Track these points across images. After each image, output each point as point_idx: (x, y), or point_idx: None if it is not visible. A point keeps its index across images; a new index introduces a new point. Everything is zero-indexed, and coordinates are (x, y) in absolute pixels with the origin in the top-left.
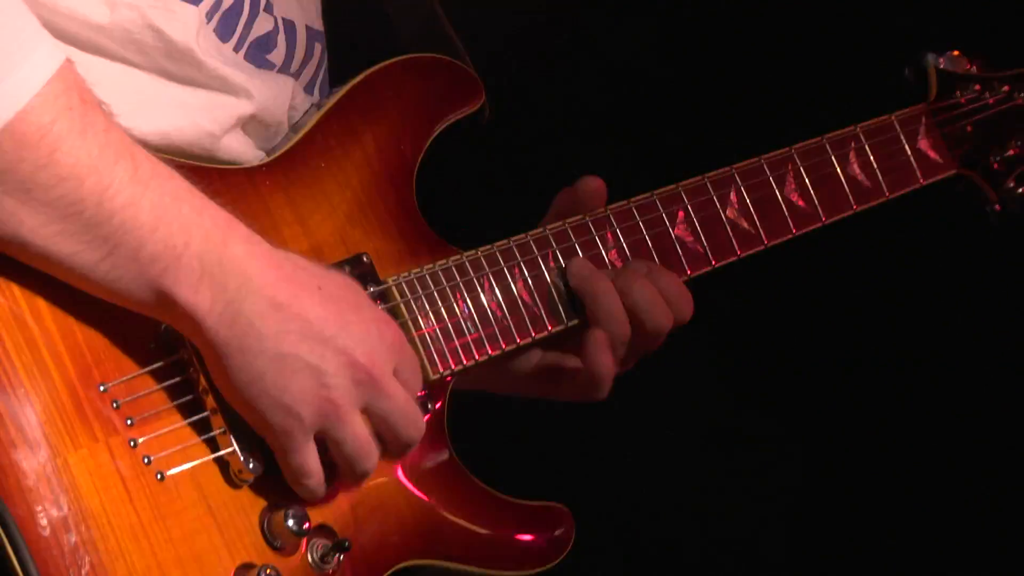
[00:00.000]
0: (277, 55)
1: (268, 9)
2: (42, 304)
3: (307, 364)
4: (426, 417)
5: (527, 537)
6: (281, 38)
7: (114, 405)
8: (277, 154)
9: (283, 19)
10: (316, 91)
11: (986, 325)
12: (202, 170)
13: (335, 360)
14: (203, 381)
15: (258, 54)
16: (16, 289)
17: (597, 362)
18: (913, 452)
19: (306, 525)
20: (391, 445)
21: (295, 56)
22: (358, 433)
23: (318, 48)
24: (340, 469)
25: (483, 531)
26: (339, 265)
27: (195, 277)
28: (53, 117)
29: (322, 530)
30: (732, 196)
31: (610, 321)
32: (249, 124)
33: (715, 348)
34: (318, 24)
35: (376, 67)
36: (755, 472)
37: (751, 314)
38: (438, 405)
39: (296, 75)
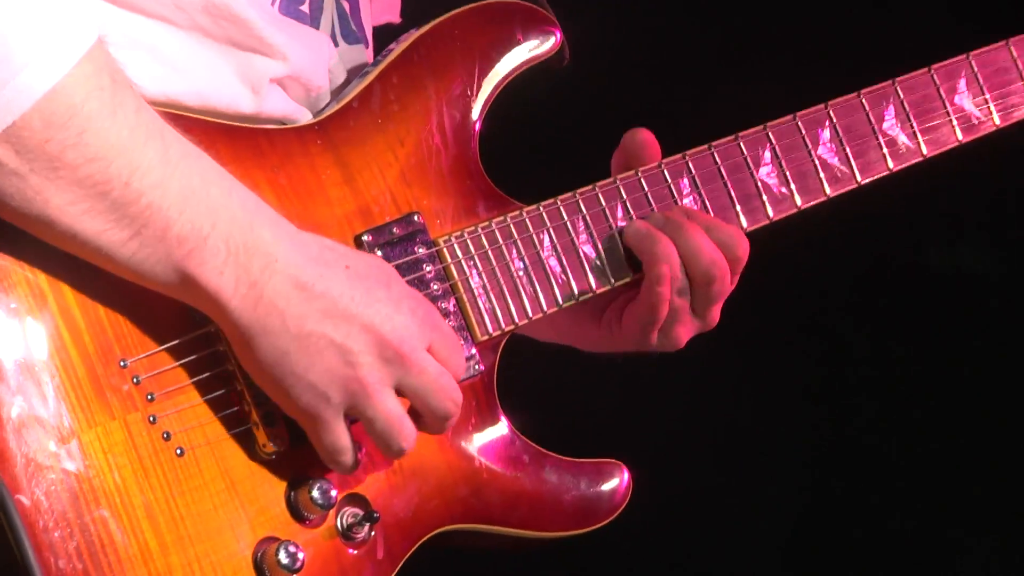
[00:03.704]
0: (308, 5)
1: None
2: (63, 280)
3: (332, 342)
4: (474, 378)
5: (576, 495)
6: None
7: (135, 381)
8: (330, 111)
9: None
10: (340, 41)
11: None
12: (245, 131)
13: (361, 338)
14: (229, 356)
15: (291, 5)
16: (37, 265)
17: (652, 293)
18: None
19: (334, 496)
20: (428, 420)
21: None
22: (390, 410)
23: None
24: (376, 446)
25: (528, 490)
26: (387, 225)
27: (220, 259)
28: (83, 97)
29: (353, 499)
30: (827, 133)
31: (664, 264)
32: (290, 85)
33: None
34: None
35: (444, 16)
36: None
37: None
38: (487, 365)
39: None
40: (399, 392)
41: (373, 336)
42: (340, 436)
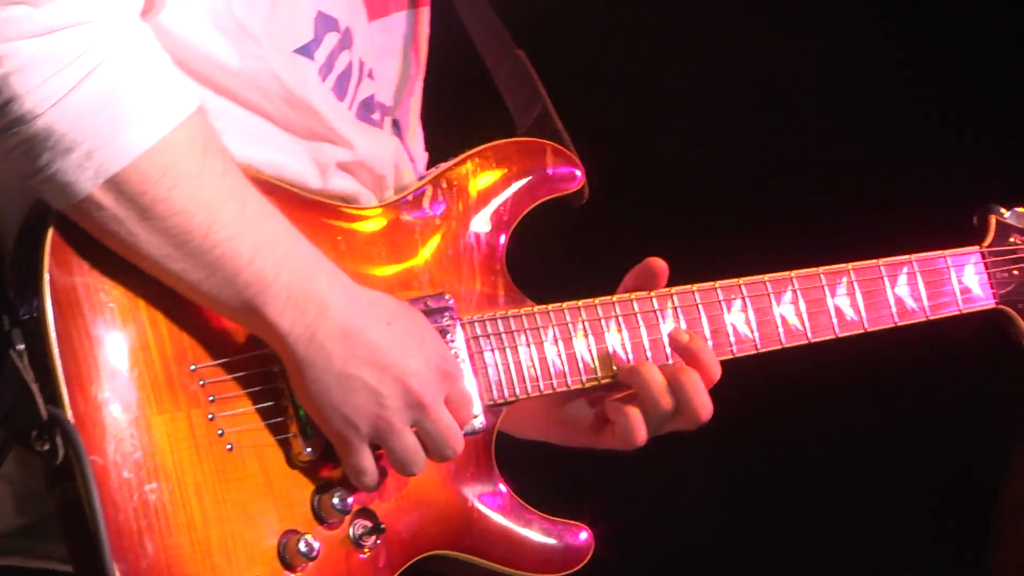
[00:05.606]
0: (379, 115)
1: (370, 76)
2: (155, 298)
3: (367, 385)
4: (477, 435)
5: (547, 544)
6: (377, 102)
7: (200, 383)
8: (390, 200)
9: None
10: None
11: None
12: (317, 203)
13: (392, 385)
14: (280, 376)
15: (365, 113)
16: (136, 285)
17: (625, 413)
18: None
19: (350, 505)
20: (433, 455)
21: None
22: (407, 445)
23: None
24: (393, 468)
25: (508, 533)
26: (423, 297)
27: (281, 303)
28: (176, 159)
29: (365, 513)
30: (788, 296)
31: (647, 398)
32: (357, 170)
33: None
34: (388, 100)
35: (494, 143)
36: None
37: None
38: (488, 425)
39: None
40: (414, 429)
41: (402, 386)
42: (364, 459)
